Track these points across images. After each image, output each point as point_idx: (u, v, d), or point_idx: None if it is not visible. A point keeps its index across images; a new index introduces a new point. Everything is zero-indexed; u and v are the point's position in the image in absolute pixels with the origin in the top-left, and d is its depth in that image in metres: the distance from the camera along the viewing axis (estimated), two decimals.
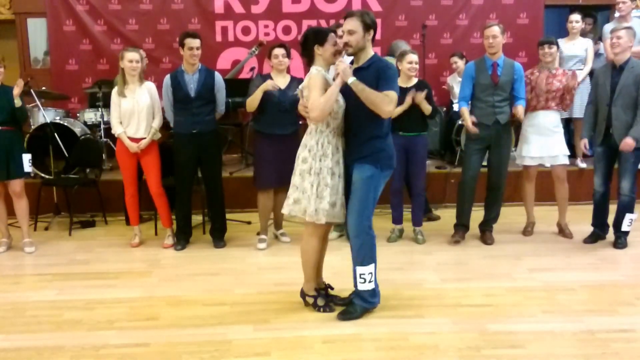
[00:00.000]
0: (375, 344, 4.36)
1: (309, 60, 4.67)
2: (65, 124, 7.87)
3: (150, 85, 6.38)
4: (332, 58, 4.61)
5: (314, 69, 4.58)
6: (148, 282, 5.59)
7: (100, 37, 9.25)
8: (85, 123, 8.26)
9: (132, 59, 6.18)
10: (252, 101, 6.13)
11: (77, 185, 7.40)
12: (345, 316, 4.75)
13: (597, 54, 8.10)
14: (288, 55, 6.27)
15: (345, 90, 4.46)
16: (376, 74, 4.44)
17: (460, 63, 8.28)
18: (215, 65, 9.02)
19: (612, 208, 6.50)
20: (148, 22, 9.26)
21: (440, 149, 8.69)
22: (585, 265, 5.92)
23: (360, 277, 4.69)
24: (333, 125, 4.57)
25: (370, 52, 4.59)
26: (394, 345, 4.33)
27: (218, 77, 6.39)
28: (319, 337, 4.43)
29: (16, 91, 6.15)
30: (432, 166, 8.10)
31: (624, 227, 6.39)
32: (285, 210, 4.77)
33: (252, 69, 8.40)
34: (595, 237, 6.55)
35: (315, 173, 4.56)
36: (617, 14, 8.14)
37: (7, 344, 4.41)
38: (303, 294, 4.96)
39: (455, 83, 8.44)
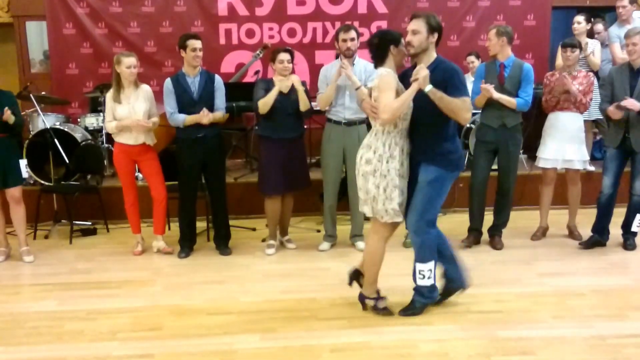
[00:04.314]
0: (384, 352, 4.31)
1: (380, 60, 4.62)
2: (66, 129, 7.79)
3: (146, 89, 6.31)
4: (402, 59, 4.64)
5: (383, 70, 4.55)
6: (151, 291, 5.52)
7: (101, 41, 9.19)
8: (86, 128, 8.19)
9: (130, 65, 6.10)
10: (266, 104, 6.05)
11: (78, 192, 7.30)
12: (406, 312, 4.85)
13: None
14: (292, 60, 6.20)
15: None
16: (443, 78, 4.44)
17: (477, 63, 8.22)
18: (219, 69, 8.96)
19: (616, 212, 6.46)
20: (150, 25, 9.20)
21: None
22: (595, 269, 5.88)
23: (420, 274, 4.77)
24: (401, 126, 4.57)
25: (434, 54, 4.60)
26: (403, 353, 4.29)
27: (218, 78, 6.33)
28: (327, 346, 4.39)
29: (5, 116, 5.97)
30: None
31: (634, 228, 6.39)
32: (362, 209, 4.81)
33: (256, 72, 8.34)
34: (594, 243, 6.47)
35: (382, 175, 4.56)
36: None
37: (6, 356, 4.34)
38: (362, 297, 4.95)
39: (469, 82, 8.37)
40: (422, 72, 4.36)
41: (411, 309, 4.85)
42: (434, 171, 4.55)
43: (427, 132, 4.56)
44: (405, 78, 4.57)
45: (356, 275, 5.01)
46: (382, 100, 4.42)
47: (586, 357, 4.19)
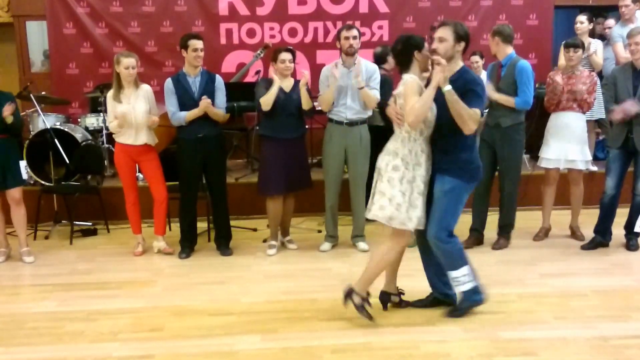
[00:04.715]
0: (385, 352, 4.29)
1: (405, 66, 4.62)
2: (66, 129, 7.78)
3: (146, 89, 6.29)
4: (427, 64, 4.61)
5: (408, 77, 4.55)
6: (152, 291, 5.50)
7: (102, 40, 9.19)
8: (86, 128, 8.18)
9: (128, 66, 6.08)
10: (267, 100, 6.03)
11: (78, 193, 7.29)
12: (452, 314, 4.83)
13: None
14: (294, 60, 6.18)
15: (435, 99, 4.42)
16: (464, 88, 4.42)
17: (481, 62, 8.19)
18: (220, 69, 8.96)
19: (619, 213, 6.43)
20: (150, 24, 9.20)
21: None
22: (597, 270, 5.86)
23: (454, 281, 4.75)
24: (426, 133, 4.56)
25: (460, 63, 4.59)
26: (404, 354, 4.27)
27: (219, 78, 6.32)
28: (328, 347, 4.37)
29: (6, 113, 5.97)
30: None
31: (637, 229, 6.35)
32: (369, 215, 4.74)
33: (257, 72, 8.32)
34: (596, 244, 6.44)
35: (409, 181, 4.54)
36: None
37: (6, 357, 4.32)
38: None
39: None
40: (441, 72, 4.34)
41: (457, 310, 4.83)
42: (450, 182, 4.54)
43: (444, 141, 4.55)
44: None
45: (387, 298, 4.99)
46: (407, 105, 4.41)
47: (588, 358, 4.18)
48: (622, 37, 7.48)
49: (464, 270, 4.69)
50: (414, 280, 5.51)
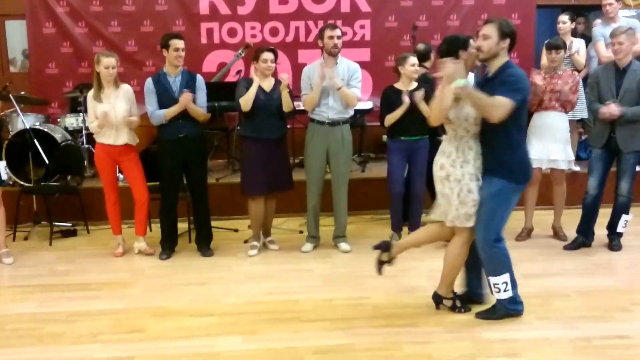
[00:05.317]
0: (367, 353, 4.29)
1: None
2: (45, 129, 7.71)
3: (127, 89, 6.24)
4: (474, 62, 4.64)
5: None
6: (132, 293, 5.46)
7: (82, 40, 9.10)
8: (66, 129, 8.11)
9: (108, 65, 6.04)
10: (246, 100, 6.01)
11: (58, 193, 7.25)
12: (483, 315, 4.80)
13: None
14: (275, 60, 6.16)
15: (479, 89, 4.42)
16: (501, 81, 4.41)
17: None
18: (201, 68, 8.90)
19: (602, 213, 6.46)
20: (131, 24, 9.12)
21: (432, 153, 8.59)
22: (580, 270, 5.87)
23: (495, 287, 4.71)
24: (473, 131, 4.54)
25: (505, 59, 4.54)
26: (387, 355, 4.28)
27: (199, 78, 6.28)
28: (310, 348, 4.36)
29: None
30: None
31: (619, 229, 6.40)
32: (434, 216, 4.79)
33: (238, 72, 8.29)
34: (579, 244, 6.47)
35: (456, 180, 4.55)
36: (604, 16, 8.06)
37: None
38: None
39: None
40: (447, 69, 4.33)
41: (490, 313, 4.79)
42: (497, 183, 4.50)
43: (489, 140, 4.52)
44: (484, 83, 4.56)
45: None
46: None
47: (571, 359, 4.19)
48: (604, 36, 7.50)
49: (505, 277, 4.65)
50: (398, 281, 5.58)
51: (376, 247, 4.97)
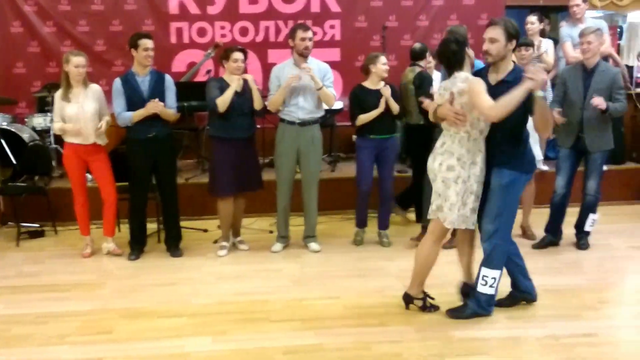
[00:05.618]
0: (337, 353, 4.30)
1: (460, 65, 4.62)
2: (13, 129, 7.65)
3: (95, 88, 6.20)
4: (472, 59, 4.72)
5: (464, 74, 4.56)
6: (101, 294, 5.42)
7: (50, 39, 8.98)
8: (33, 129, 8.01)
9: (78, 64, 5.98)
10: (224, 102, 5.97)
11: (25, 194, 7.15)
12: (453, 313, 4.81)
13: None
14: (245, 59, 6.15)
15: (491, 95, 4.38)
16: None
17: (433, 63, 8.21)
18: (170, 68, 8.83)
19: (569, 212, 6.54)
20: (100, 23, 9.02)
21: (402, 153, 8.62)
22: (548, 269, 5.92)
23: (483, 279, 4.70)
24: (486, 132, 4.55)
25: (511, 62, 4.55)
26: (357, 355, 4.28)
27: (168, 78, 6.24)
28: (280, 348, 4.36)
29: None
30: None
31: (587, 228, 6.47)
32: (431, 216, 4.75)
33: (208, 72, 8.24)
34: (547, 243, 6.54)
35: (463, 181, 4.54)
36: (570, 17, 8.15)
37: None
38: (409, 298, 4.91)
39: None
40: (540, 75, 4.24)
41: (459, 312, 4.81)
42: (508, 175, 4.53)
43: (504, 136, 4.52)
44: (495, 87, 4.51)
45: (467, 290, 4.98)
46: (482, 102, 4.34)
47: (539, 357, 4.24)
48: (571, 37, 7.57)
49: (496, 274, 4.68)
50: (368, 281, 5.59)
51: (407, 306, 4.95)
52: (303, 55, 6.14)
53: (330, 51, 9.08)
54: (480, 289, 4.72)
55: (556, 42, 8.26)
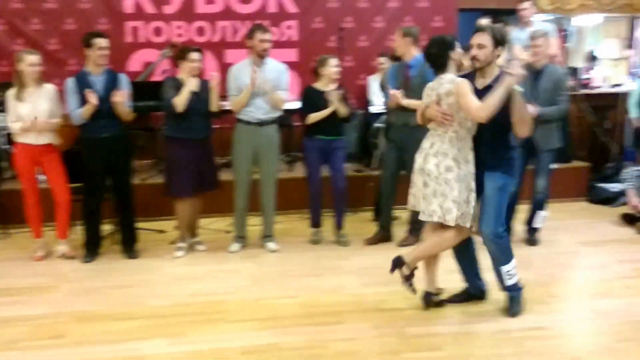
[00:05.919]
0: (294, 352, 4.32)
1: (442, 67, 4.67)
2: None
3: (49, 88, 6.11)
4: (460, 62, 4.81)
5: (450, 76, 4.61)
6: (54, 297, 5.33)
7: (1, 38, 8.82)
8: None
9: (32, 63, 5.91)
10: (183, 102, 5.92)
11: None
12: (511, 311, 4.88)
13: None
14: (201, 59, 6.12)
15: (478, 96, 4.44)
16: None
17: (387, 64, 8.26)
18: (125, 67, 8.73)
19: (519, 209, 6.65)
20: (53, 21, 8.87)
21: (359, 152, 8.67)
22: None
23: (507, 274, 4.80)
24: (473, 131, 4.60)
25: (497, 68, 4.59)
26: (313, 353, 4.31)
27: (123, 77, 6.18)
28: (237, 349, 4.36)
29: None
30: (350, 169, 8.03)
31: (537, 224, 6.63)
32: (423, 217, 4.78)
33: (164, 71, 8.16)
34: None
35: (461, 180, 4.57)
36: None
37: None
38: (400, 262, 4.90)
39: (375, 82, 8.45)
40: (518, 69, 4.34)
41: (516, 306, 4.89)
42: (501, 178, 4.63)
43: (493, 139, 4.60)
44: (482, 92, 4.54)
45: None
46: (469, 103, 4.41)
47: (492, 351, 4.32)
48: (520, 40, 7.66)
49: (514, 263, 4.79)
50: (324, 280, 5.60)
51: (393, 269, 4.92)
52: (261, 56, 6.14)
53: (287, 51, 9.07)
54: (509, 282, 4.83)
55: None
